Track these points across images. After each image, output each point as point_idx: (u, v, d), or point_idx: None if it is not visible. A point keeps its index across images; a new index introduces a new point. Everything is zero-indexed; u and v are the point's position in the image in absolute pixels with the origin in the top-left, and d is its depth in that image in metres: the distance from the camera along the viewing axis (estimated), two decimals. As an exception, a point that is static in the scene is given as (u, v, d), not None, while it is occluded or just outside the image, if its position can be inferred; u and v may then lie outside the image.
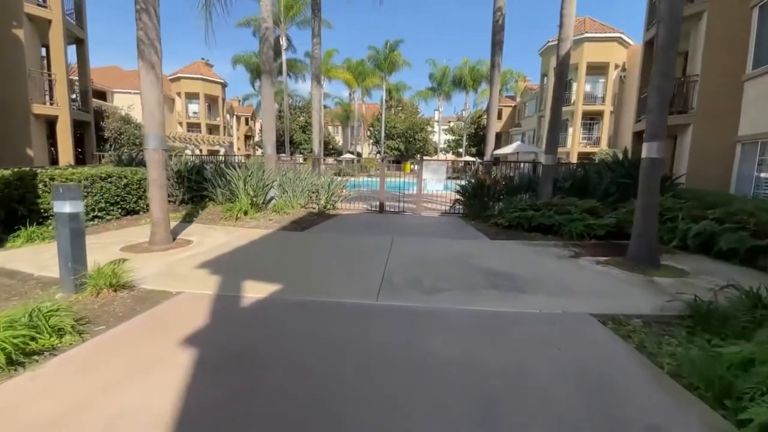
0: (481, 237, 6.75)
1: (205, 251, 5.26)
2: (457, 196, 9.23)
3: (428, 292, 3.82)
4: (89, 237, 6.30)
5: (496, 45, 10.70)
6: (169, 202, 9.80)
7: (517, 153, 18.78)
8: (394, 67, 37.37)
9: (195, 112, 41.72)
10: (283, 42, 34.00)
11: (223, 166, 8.77)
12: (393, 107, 47.48)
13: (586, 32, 26.90)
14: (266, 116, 8.64)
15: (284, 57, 34.58)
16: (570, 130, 27.43)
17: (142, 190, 8.27)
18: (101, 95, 35.13)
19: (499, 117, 39.57)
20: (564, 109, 28.32)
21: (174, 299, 3.55)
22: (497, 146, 27.28)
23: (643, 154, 5.26)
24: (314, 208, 8.99)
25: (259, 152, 51.07)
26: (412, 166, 23.96)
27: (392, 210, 9.65)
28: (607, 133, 27.20)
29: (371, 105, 48.87)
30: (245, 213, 7.75)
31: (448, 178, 9.95)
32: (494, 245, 6.17)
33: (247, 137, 58.33)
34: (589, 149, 26.41)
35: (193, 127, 41.09)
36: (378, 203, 9.64)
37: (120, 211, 7.68)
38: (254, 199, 7.85)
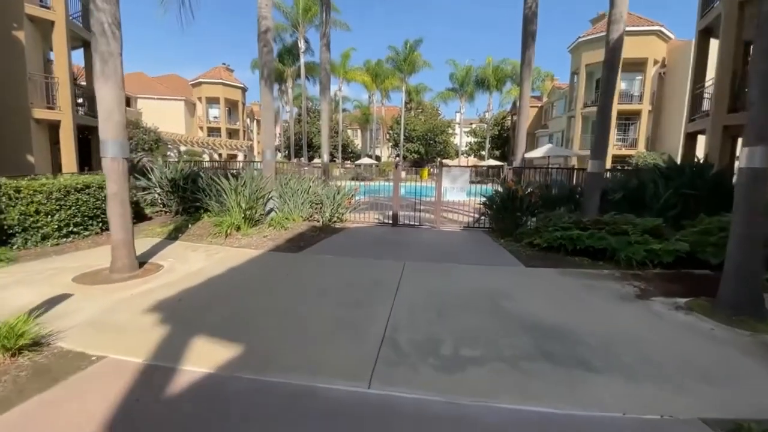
0: (514, 263, 5.48)
1: (169, 283, 4.27)
2: (483, 208, 7.99)
3: (448, 367, 2.63)
4: (52, 258, 5.43)
5: (528, 36, 9.36)
6: (165, 213, 9.04)
7: (548, 156, 17.20)
8: (413, 67, 36.25)
9: (215, 117, 42.01)
10: (302, 45, 33.49)
11: (211, 174, 7.80)
12: (413, 109, 46.34)
13: (622, 26, 24.87)
14: (265, 120, 7.67)
15: (302, 60, 34.06)
16: (604, 131, 25.46)
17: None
18: (125, 101, 35.77)
19: (525, 118, 37.71)
20: (595, 108, 26.46)
21: (85, 372, 2.51)
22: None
23: (741, 164, 3.90)
24: (318, 221, 7.94)
25: (278, 156, 51.02)
26: (431, 170, 22.71)
27: (407, 222, 8.49)
28: (644, 134, 25.12)
29: (391, 108, 47.91)
30: (237, 228, 6.77)
31: (471, 182, 8.70)
32: (533, 276, 4.90)
33: (268, 141, 58.49)
34: (624, 152, 24.42)
35: (213, 131, 41.33)
36: (391, 214, 8.50)
37: (101, 225, 6.85)
38: (247, 212, 6.86)
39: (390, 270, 4.91)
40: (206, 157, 32.34)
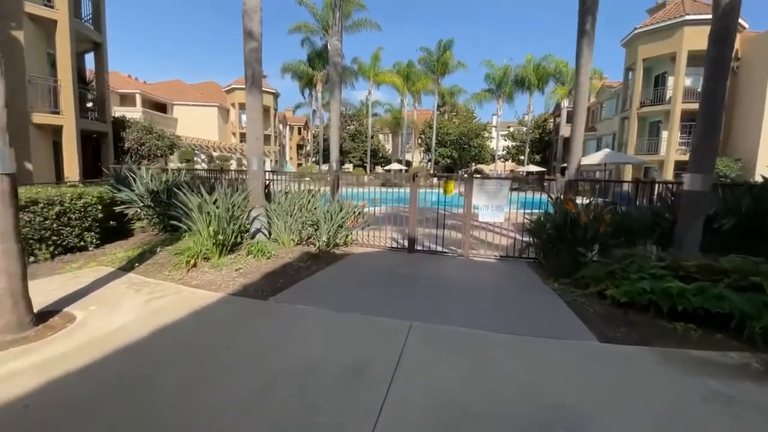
0: (580, 331, 3.62)
1: (51, 360, 2.84)
2: (527, 234, 6.14)
3: None
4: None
5: (587, 12, 7.41)
6: (152, 229, 7.90)
7: (605, 164, 14.79)
8: (447, 69, 34.43)
9: (247, 122, 42.04)
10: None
11: (181, 186, 6.36)
12: (446, 112, 44.35)
13: (687, 14, 22.02)
14: (251, 123, 6.30)
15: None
16: (664, 134, 22.44)
17: (90, 219, 6.29)
18: (162, 107, 36.56)
19: (568, 120, 34.65)
20: (656, 108, 23.33)
21: None
22: (566, 154, 23.01)
23: None
24: (314, 245, 6.41)
25: (309, 161, 50.63)
26: (459, 178, 20.74)
27: (427, 247, 6.78)
28: (714, 137, 21.72)
29: (423, 111, 46.21)
30: (207, 258, 5.37)
31: (511, 189, 6.85)
32: (615, 364, 3.03)
33: (300, 146, 58.71)
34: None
35: (245, 137, 41.40)
36: (407, 235, 6.82)
37: (52, 249, 5.68)
38: (219, 237, 5.43)
39: (386, 339, 3.24)
40: (234, 163, 32.18)
